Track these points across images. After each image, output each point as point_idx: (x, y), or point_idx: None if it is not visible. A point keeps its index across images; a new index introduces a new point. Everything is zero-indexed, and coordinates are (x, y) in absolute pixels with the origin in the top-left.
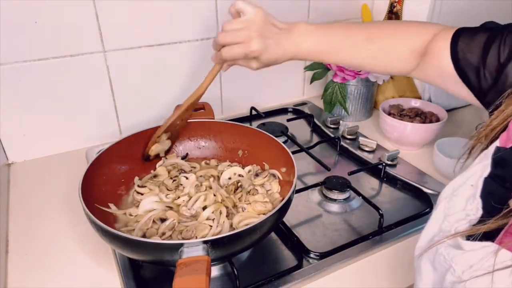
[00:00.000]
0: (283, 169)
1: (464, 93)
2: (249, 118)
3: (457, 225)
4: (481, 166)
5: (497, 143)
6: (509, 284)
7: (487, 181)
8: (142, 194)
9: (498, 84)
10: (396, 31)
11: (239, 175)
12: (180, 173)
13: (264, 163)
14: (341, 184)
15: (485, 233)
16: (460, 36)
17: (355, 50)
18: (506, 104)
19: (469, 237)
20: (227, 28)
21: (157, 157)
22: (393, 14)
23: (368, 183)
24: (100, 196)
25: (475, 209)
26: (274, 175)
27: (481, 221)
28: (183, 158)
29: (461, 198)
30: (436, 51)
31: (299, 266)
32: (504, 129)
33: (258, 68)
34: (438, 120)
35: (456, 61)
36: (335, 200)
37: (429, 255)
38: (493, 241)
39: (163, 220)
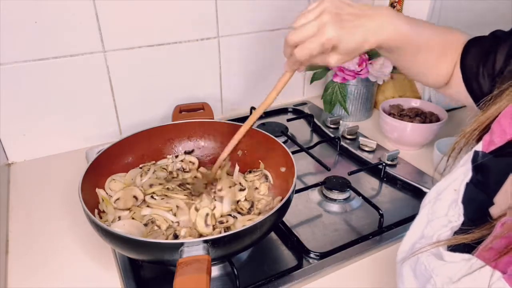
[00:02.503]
0: (283, 169)
1: (469, 100)
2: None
3: (440, 232)
4: (464, 170)
5: (479, 146)
6: None
7: (469, 186)
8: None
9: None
10: (448, 41)
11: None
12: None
13: (259, 161)
14: (341, 184)
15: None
16: (470, 46)
17: (419, 51)
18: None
19: (450, 246)
20: (296, 24)
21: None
22: None
23: (368, 183)
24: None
25: (457, 215)
26: (266, 177)
27: (463, 229)
28: (189, 153)
29: (444, 202)
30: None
31: (299, 266)
32: (487, 130)
33: (338, 62)
34: (438, 120)
35: (463, 69)
36: (335, 200)
37: (410, 262)
38: (471, 251)
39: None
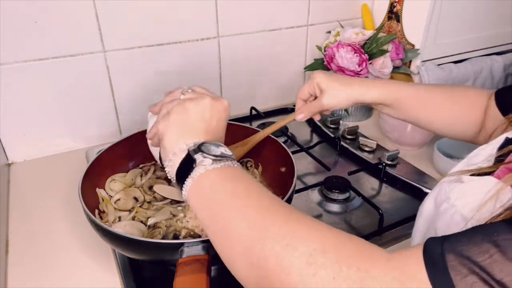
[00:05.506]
0: (283, 169)
1: None
2: (249, 118)
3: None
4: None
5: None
6: (491, 209)
7: (508, 140)
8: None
9: None
10: (460, 94)
11: None
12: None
13: (259, 164)
14: (341, 184)
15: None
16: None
17: (423, 102)
18: None
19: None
20: None
21: None
22: (393, 14)
23: (368, 183)
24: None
25: (492, 162)
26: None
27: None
28: None
29: (480, 157)
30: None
31: None
32: None
33: (328, 104)
34: None
35: (501, 105)
36: (335, 200)
37: (433, 193)
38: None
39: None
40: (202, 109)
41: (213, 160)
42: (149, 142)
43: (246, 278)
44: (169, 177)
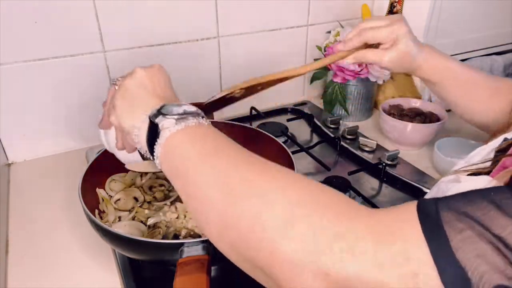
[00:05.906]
0: None
1: None
2: (249, 118)
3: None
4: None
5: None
6: None
7: (506, 139)
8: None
9: None
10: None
11: None
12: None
13: None
14: (341, 184)
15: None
16: None
17: (472, 87)
18: None
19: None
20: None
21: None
22: (393, 14)
23: (368, 183)
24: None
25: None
26: None
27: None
28: None
29: (479, 156)
30: None
31: None
32: None
33: (387, 63)
34: (438, 120)
35: None
36: None
37: (431, 193)
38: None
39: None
40: (140, 80)
41: (176, 119)
42: (124, 154)
43: (221, 238)
44: (145, 156)
